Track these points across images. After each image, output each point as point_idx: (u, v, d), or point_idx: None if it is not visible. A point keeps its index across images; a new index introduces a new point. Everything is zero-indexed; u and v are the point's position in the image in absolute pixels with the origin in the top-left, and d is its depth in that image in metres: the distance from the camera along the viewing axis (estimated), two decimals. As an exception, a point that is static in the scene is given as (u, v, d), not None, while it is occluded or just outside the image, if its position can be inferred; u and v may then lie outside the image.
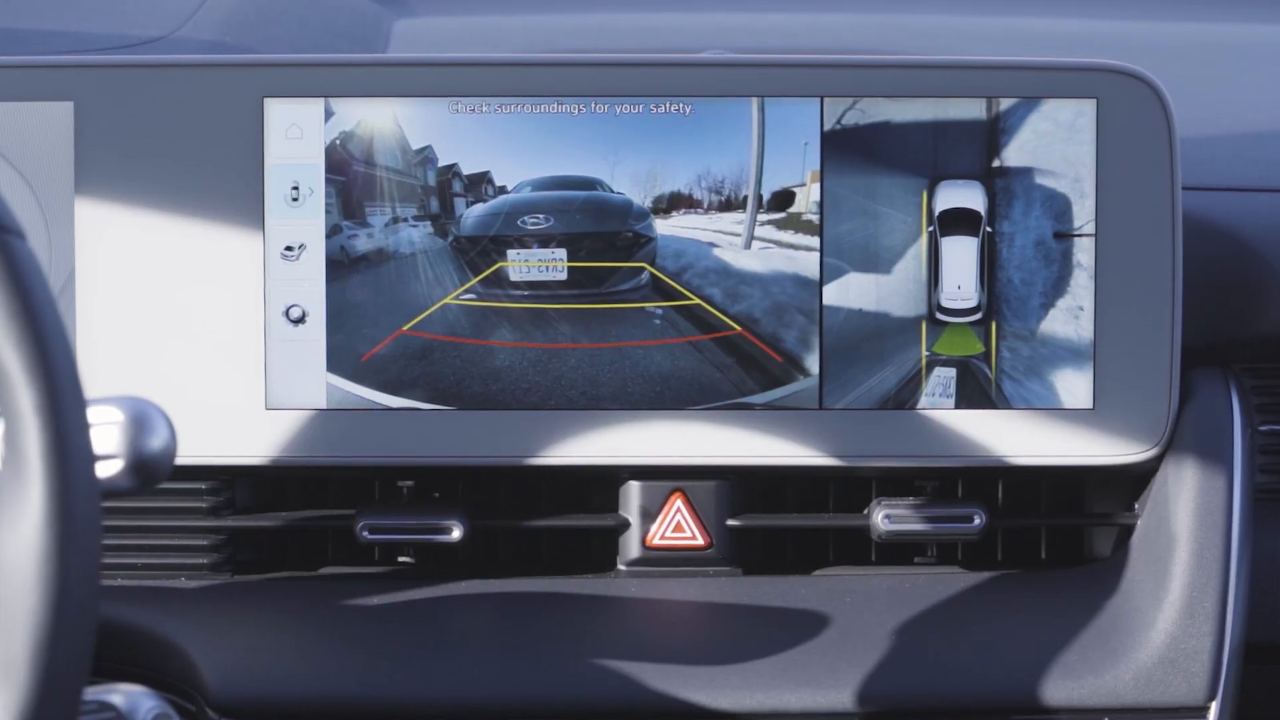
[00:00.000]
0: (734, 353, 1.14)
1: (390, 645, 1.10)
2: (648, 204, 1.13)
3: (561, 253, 1.14)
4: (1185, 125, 1.13)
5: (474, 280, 1.14)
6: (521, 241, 1.14)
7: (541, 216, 1.14)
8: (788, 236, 1.13)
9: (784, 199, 1.13)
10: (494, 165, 1.14)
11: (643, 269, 1.13)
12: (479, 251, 1.14)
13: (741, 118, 1.13)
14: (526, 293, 1.14)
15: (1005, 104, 1.13)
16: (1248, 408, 1.17)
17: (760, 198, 1.13)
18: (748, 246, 1.13)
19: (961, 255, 1.14)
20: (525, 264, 1.14)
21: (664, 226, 1.13)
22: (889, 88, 1.13)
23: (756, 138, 1.13)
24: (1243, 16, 1.61)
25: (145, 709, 0.90)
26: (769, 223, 1.13)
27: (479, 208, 1.13)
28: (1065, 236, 1.13)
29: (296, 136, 1.13)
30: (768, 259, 1.14)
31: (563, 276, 1.14)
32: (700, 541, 1.17)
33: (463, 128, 1.13)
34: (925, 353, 1.14)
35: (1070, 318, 1.13)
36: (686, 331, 1.14)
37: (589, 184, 1.13)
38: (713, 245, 1.13)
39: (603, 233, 1.14)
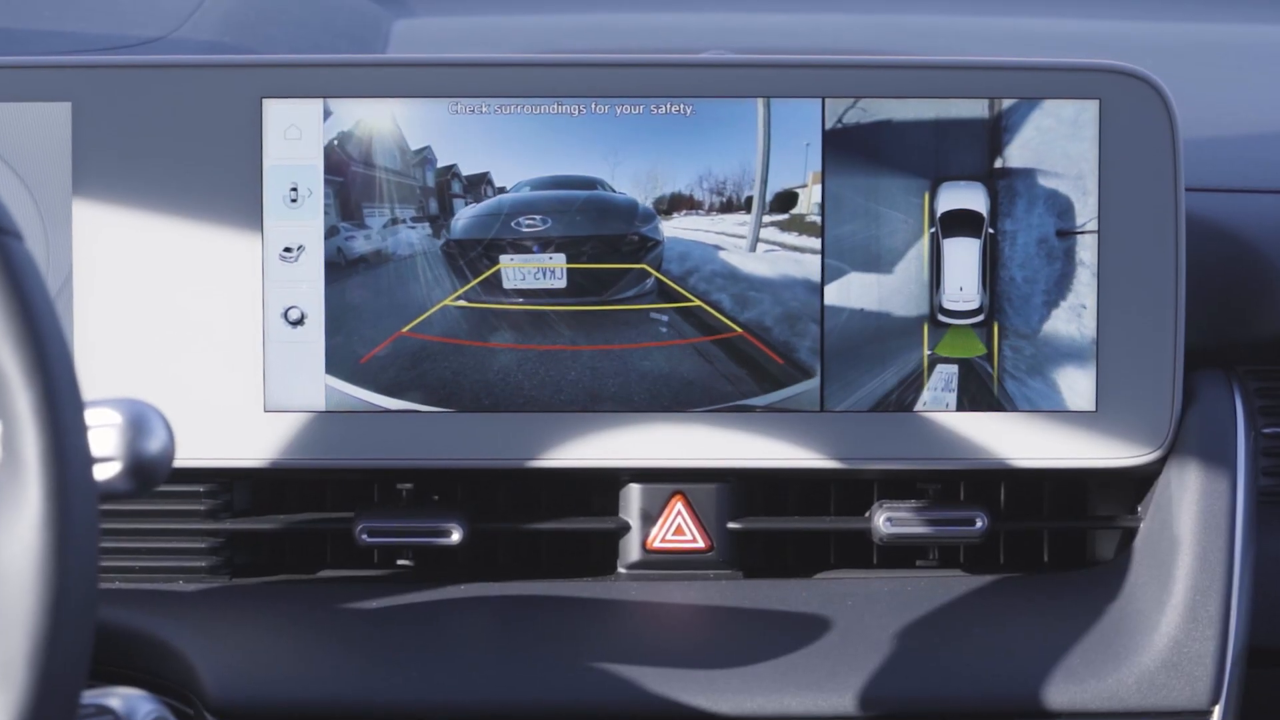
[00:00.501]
0: (735, 355, 1.13)
1: (389, 649, 1.10)
2: (649, 206, 1.13)
3: (560, 258, 1.13)
4: (1188, 126, 1.13)
5: (472, 283, 1.13)
6: (518, 246, 1.13)
7: (538, 218, 1.13)
8: (790, 238, 1.13)
9: (786, 200, 1.13)
10: (494, 166, 1.13)
11: (648, 275, 1.13)
12: (474, 256, 1.13)
13: (743, 118, 1.12)
14: (524, 300, 1.13)
15: (1007, 105, 1.13)
16: (1251, 410, 1.16)
17: (765, 199, 1.13)
18: (753, 249, 1.13)
19: (963, 257, 1.13)
20: (523, 266, 1.13)
21: (668, 229, 1.13)
22: (890, 88, 1.13)
23: (762, 139, 1.12)
24: (1246, 17, 1.61)
25: (143, 712, 0.90)
26: (771, 224, 1.13)
27: (471, 209, 1.13)
28: (1067, 238, 1.13)
29: (295, 137, 1.13)
30: (770, 261, 1.13)
31: (562, 283, 1.13)
32: (701, 544, 1.17)
33: (462, 128, 1.13)
34: (927, 354, 1.14)
35: (1072, 320, 1.13)
36: (687, 334, 1.13)
37: (590, 184, 1.13)
38: (718, 248, 1.13)
39: (606, 236, 1.13)
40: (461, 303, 1.13)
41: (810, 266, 1.13)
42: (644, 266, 1.13)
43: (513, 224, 1.13)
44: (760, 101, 1.12)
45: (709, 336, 1.13)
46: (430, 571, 1.18)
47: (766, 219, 1.13)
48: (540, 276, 1.13)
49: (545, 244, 1.13)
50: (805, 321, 1.13)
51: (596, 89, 1.13)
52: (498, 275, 1.13)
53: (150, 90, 1.13)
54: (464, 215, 1.12)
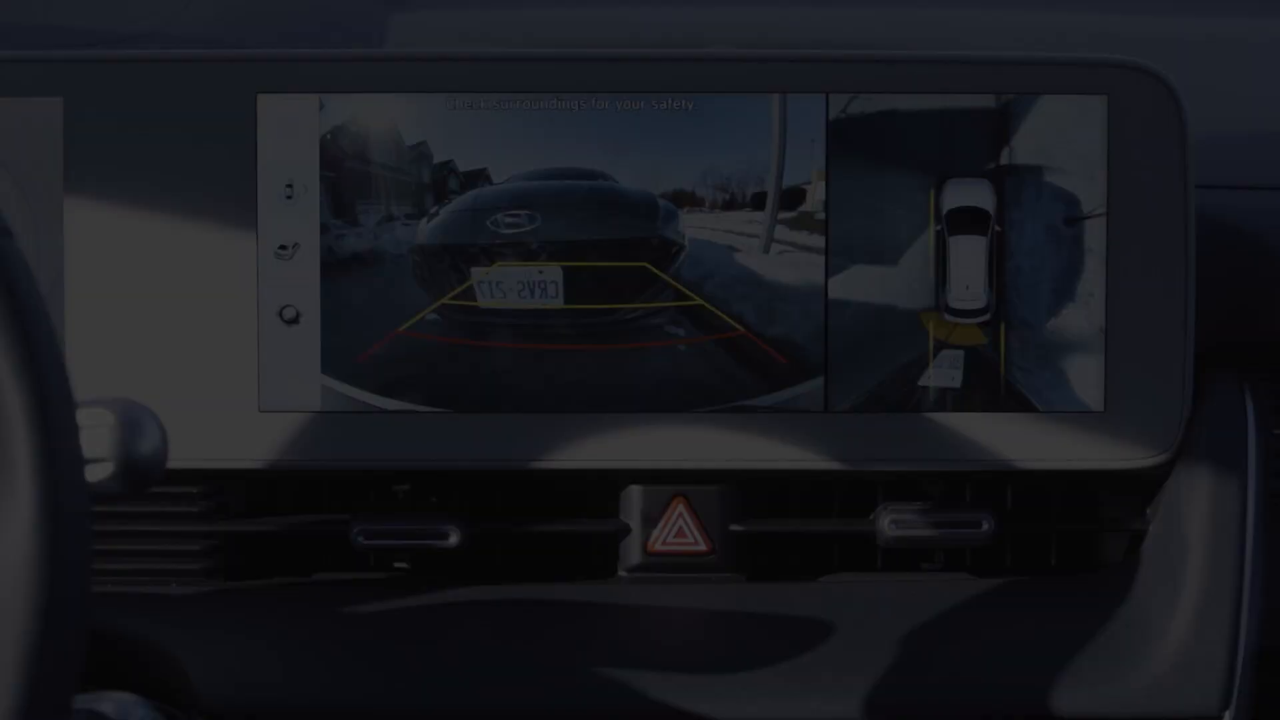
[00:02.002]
0: (737, 354, 1.12)
1: (385, 653, 1.10)
2: (669, 202, 1.11)
3: (555, 268, 1.11)
4: (1199, 122, 1.12)
5: (437, 303, 1.11)
6: (504, 252, 1.12)
7: (523, 215, 1.11)
8: (799, 237, 1.12)
9: (792, 198, 1.12)
10: (492, 162, 1.12)
11: (665, 284, 1.11)
12: (445, 266, 1.12)
13: (747, 113, 1.11)
14: (520, 315, 1.12)
15: (1015, 100, 1.12)
16: (1262, 411, 1.16)
17: (779, 198, 1.11)
18: (767, 249, 1.11)
19: (970, 255, 1.12)
20: (505, 270, 1.11)
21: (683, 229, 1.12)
22: (896, 83, 1.12)
23: (777, 135, 1.11)
24: (1258, 11, 1.60)
25: (136, 718, 0.90)
26: (780, 222, 1.12)
27: (444, 207, 1.11)
28: (1075, 235, 1.12)
29: (290, 133, 1.12)
30: (779, 260, 1.12)
31: (557, 301, 1.12)
32: (702, 547, 1.16)
33: (460, 124, 1.12)
34: (933, 343, 1.13)
35: (1081, 320, 1.12)
36: (689, 333, 1.12)
37: (591, 176, 1.11)
38: (731, 249, 1.11)
39: (617, 240, 1.11)
40: (460, 301, 1.12)
41: (815, 264, 1.12)
42: (665, 277, 1.11)
43: (489, 223, 1.11)
44: (776, 97, 1.11)
45: (711, 335, 1.12)
46: (427, 574, 1.18)
47: (779, 217, 1.12)
48: (528, 293, 1.11)
49: (541, 249, 1.11)
50: (809, 320, 1.12)
51: (598, 84, 1.12)
52: (470, 291, 1.11)
53: (143, 84, 1.12)
54: (431, 218, 1.11)
